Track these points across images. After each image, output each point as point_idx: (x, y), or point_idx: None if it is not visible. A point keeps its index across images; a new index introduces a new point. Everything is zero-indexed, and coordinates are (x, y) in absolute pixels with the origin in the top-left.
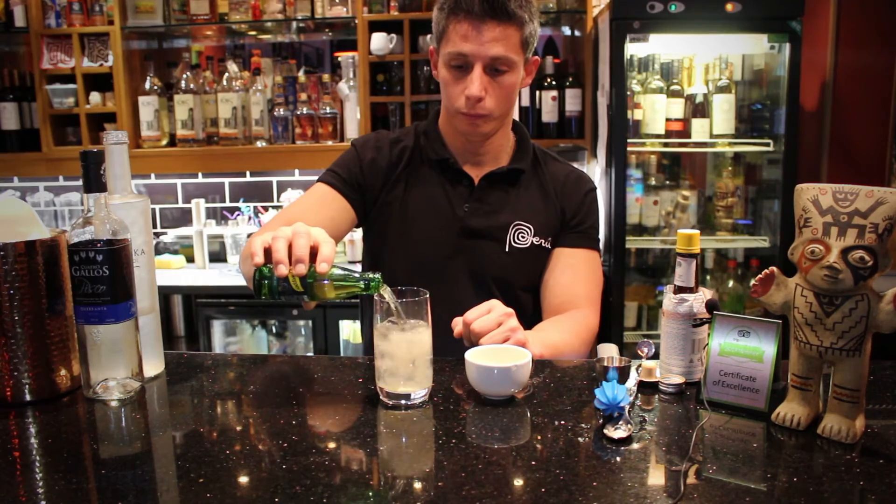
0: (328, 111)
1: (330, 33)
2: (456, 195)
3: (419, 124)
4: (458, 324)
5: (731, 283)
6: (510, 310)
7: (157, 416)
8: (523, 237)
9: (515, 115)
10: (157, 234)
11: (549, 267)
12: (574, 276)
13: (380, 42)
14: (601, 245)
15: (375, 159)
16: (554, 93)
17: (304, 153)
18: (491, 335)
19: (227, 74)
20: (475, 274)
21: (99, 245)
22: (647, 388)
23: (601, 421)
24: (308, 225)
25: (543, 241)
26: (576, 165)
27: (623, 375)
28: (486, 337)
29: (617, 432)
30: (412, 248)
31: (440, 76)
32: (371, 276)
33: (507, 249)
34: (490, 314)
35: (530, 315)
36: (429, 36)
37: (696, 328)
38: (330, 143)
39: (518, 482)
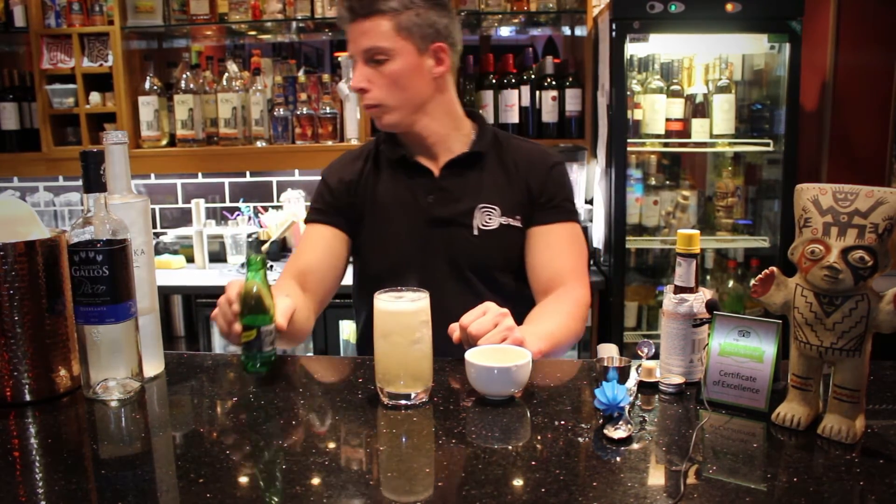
0: (328, 111)
1: (330, 33)
2: (418, 188)
3: (379, 133)
4: (455, 329)
5: (731, 283)
6: (505, 310)
7: (157, 416)
8: (490, 218)
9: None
10: (157, 234)
11: (529, 248)
12: (554, 252)
13: None
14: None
15: (342, 178)
16: (554, 93)
17: (303, 153)
18: (488, 336)
19: (226, 74)
20: (450, 261)
21: (99, 245)
22: (647, 388)
23: (601, 421)
24: (312, 264)
25: (512, 219)
26: (575, 166)
27: (623, 375)
28: (483, 338)
29: (617, 432)
30: (387, 246)
31: None
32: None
33: (475, 233)
34: (486, 316)
35: (513, 297)
36: None
37: (696, 328)
38: (330, 143)
39: (518, 482)
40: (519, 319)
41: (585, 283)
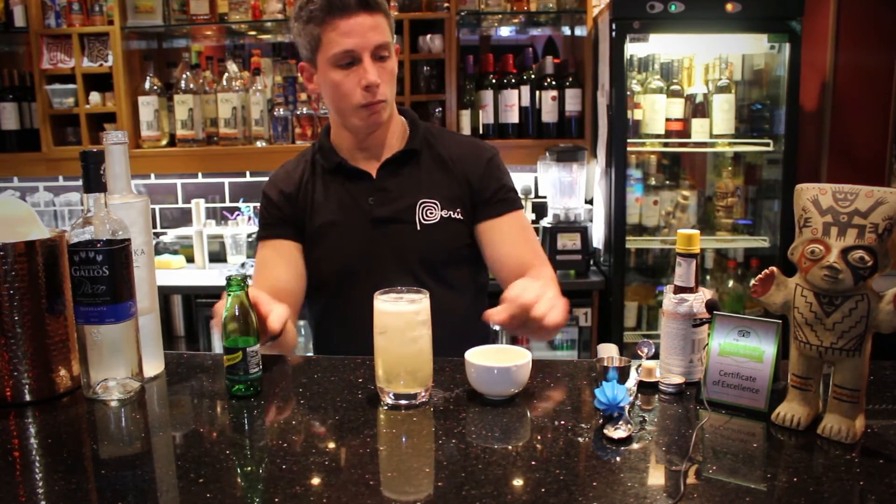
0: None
1: None
2: (359, 192)
3: (315, 142)
4: (498, 313)
5: (731, 283)
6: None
7: (157, 416)
8: (432, 213)
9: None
10: (157, 234)
11: (487, 243)
12: (514, 242)
13: None
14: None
15: (282, 191)
16: (554, 93)
17: None
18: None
19: (226, 74)
20: (397, 258)
21: (99, 245)
22: (647, 388)
23: (601, 421)
24: (280, 279)
25: (453, 213)
26: (575, 166)
27: (623, 375)
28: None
29: (617, 432)
30: (334, 251)
31: (327, 82)
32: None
33: (418, 228)
34: (543, 298)
35: (459, 288)
36: (304, 54)
37: (696, 328)
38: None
39: (518, 482)
40: (468, 310)
41: (548, 263)
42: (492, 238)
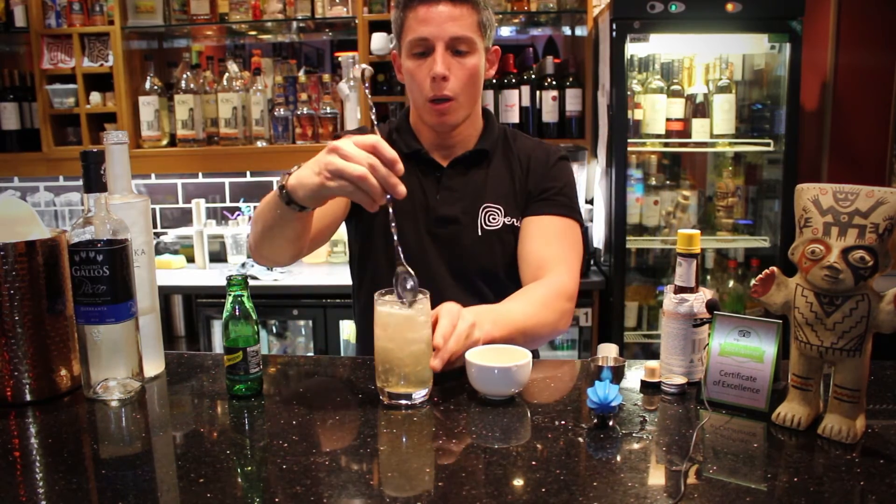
0: (328, 111)
1: (330, 33)
2: (429, 185)
3: (392, 121)
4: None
5: (731, 283)
6: (453, 307)
7: (157, 416)
8: (494, 219)
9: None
10: (157, 234)
11: (520, 238)
12: (544, 241)
13: (380, 42)
14: (582, 220)
15: None
16: (554, 93)
17: (304, 153)
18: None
19: (227, 74)
20: (453, 260)
21: (99, 245)
22: (649, 389)
23: (595, 420)
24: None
25: (515, 220)
26: (575, 166)
27: (617, 375)
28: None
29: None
30: (390, 240)
31: (405, 71)
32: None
33: (479, 233)
34: (450, 326)
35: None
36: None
37: (697, 328)
38: (330, 143)
39: (518, 482)
40: None
41: (571, 274)
42: (523, 234)
